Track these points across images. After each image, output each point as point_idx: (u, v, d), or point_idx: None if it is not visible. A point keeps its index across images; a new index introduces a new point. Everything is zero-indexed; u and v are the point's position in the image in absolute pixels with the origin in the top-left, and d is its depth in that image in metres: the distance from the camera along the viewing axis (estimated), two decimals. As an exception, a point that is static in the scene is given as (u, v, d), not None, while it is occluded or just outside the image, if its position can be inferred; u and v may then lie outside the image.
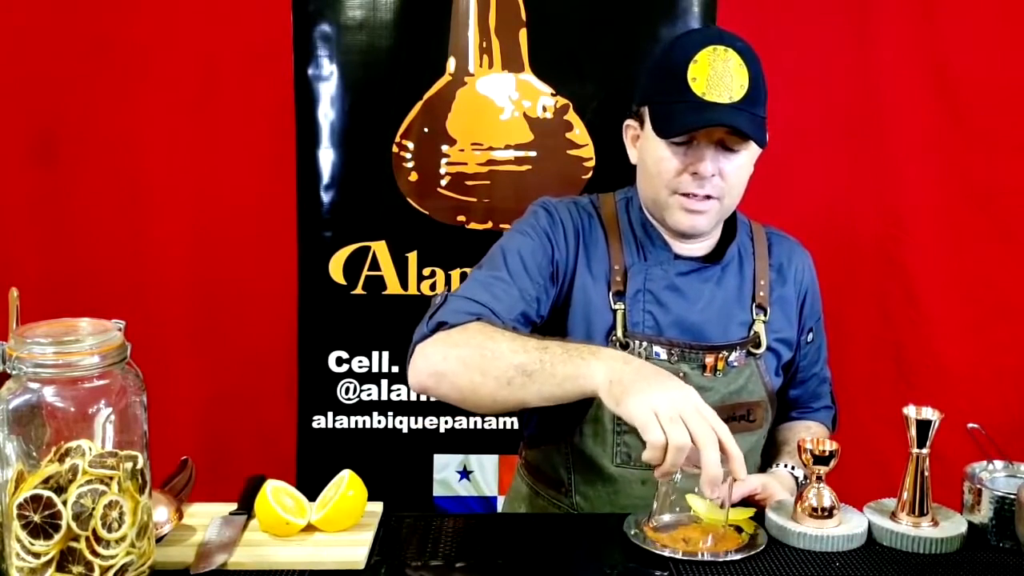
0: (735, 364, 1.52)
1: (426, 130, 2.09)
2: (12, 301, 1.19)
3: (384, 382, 2.17)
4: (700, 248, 1.55)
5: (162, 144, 2.38)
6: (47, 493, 1.01)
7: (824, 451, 1.32)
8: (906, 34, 2.35)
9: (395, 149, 2.10)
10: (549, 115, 2.08)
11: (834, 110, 2.41)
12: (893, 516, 1.33)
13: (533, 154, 2.09)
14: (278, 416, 2.29)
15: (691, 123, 1.40)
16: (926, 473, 1.32)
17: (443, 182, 2.11)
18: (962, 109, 2.35)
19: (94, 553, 1.03)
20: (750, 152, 1.47)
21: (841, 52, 2.38)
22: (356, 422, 2.17)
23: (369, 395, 2.18)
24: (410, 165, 2.10)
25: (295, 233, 2.14)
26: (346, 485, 1.30)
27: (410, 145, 2.09)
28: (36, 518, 1.01)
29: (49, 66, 2.33)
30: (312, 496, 1.32)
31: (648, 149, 1.48)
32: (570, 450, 1.54)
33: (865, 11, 2.36)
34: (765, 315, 1.56)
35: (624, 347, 1.48)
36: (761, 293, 1.56)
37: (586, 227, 1.55)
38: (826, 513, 1.31)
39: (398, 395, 2.18)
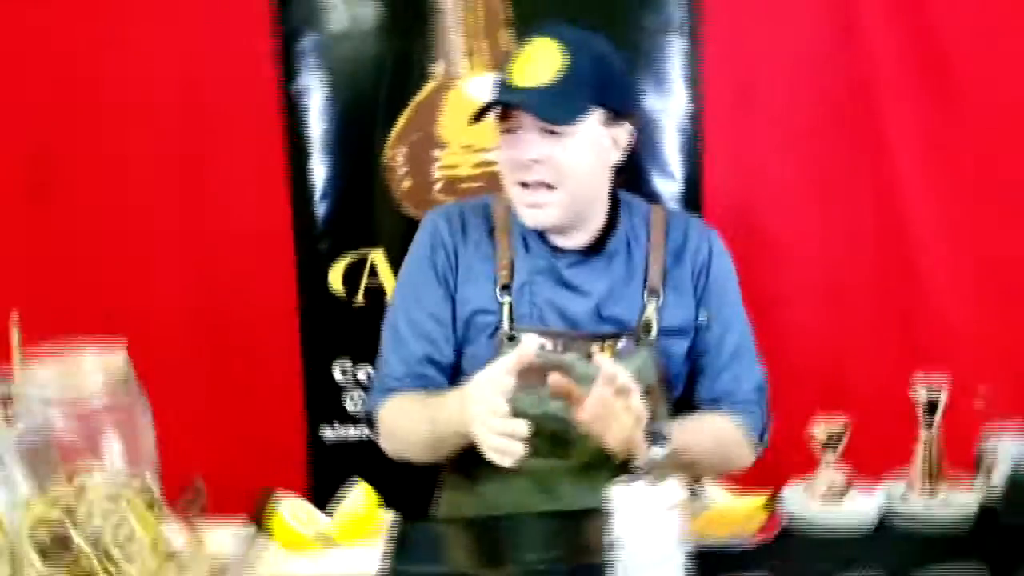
0: (625, 352, 1.50)
1: (417, 135, 2.09)
2: (13, 324, 1.18)
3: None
4: (579, 240, 1.54)
5: (151, 162, 2.37)
6: (57, 516, 1.00)
7: (835, 432, 1.31)
8: (903, 28, 2.34)
9: (387, 156, 2.09)
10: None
11: (827, 97, 2.40)
12: (906, 494, 1.32)
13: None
14: (286, 429, 2.28)
15: (488, 103, 1.44)
16: (936, 451, 1.31)
17: (437, 186, 2.11)
18: (961, 110, 2.34)
19: (107, 573, 1.03)
20: (582, 137, 1.44)
21: (835, 41, 2.37)
22: (365, 432, 2.16)
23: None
24: (403, 171, 2.09)
25: (292, 246, 2.14)
26: (359, 497, 1.30)
27: (402, 151, 2.09)
28: (47, 541, 1.00)
29: (32, 91, 2.32)
30: (325, 509, 1.32)
31: (497, 146, 1.52)
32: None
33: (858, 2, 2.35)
34: (658, 300, 1.53)
35: (511, 339, 1.49)
36: (655, 278, 1.54)
37: (466, 233, 1.57)
38: (839, 494, 1.30)
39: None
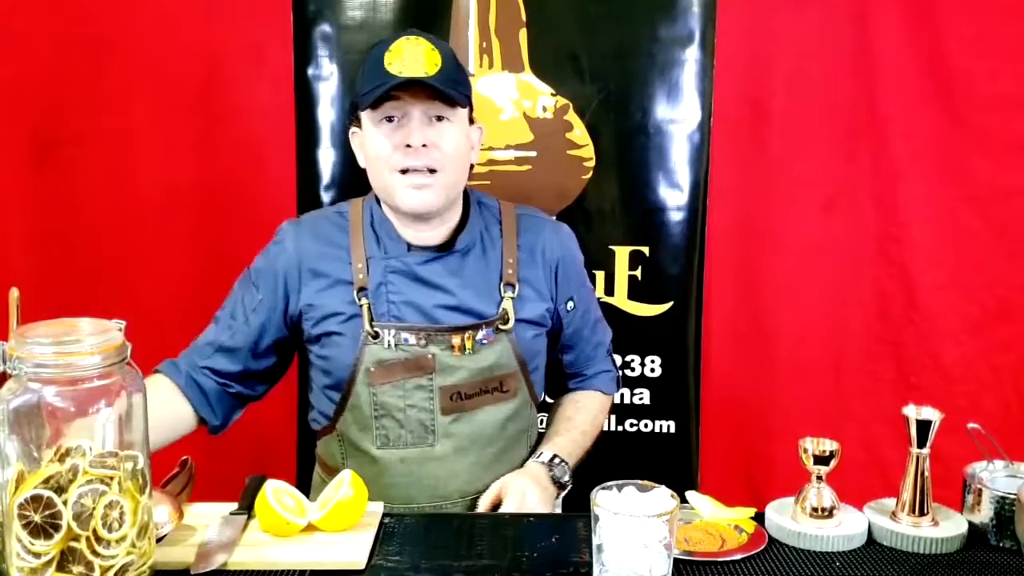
0: (484, 341, 1.60)
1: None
2: (12, 301, 1.19)
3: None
4: (433, 237, 1.62)
5: (162, 144, 2.38)
6: (47, 493, 1.01)
7: (824, 451, 1.32)
8: (906, 34, 2.35)
9: (395, 149, 2.10)
10: (549, 115, 2.08)
11: (834, 110, 2.41)
12: (893, 516, 1.33)
13: (533, 154, 2.09)
14: (278, 416, 2.29)
15: (384, 86, 1.49)
16: (926, 473, 1.32)
17: (443, 182, 2.10)
18: (962, 109, 2.35)
19: (94, 553, 1.03)
20: (461, 125, 1.57)
21: (841, 52, 2.39)
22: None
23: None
24: (410, 165, 2.10)
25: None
26: (346, 485, 1.30)
27: (410, 145, 2.09)
28: (37, 518, 1.01)
29: (49, 66, 2.33)
30: (312, 496, 1.32)
31: (368, 139, 1.58)
32: (340, 437, 1.64)
33: (865, 11, 2.36)
34: (514, 292, 1.63)
35: (375, 337, 1.57)
36: (509, 271, 1.64)
37: (319, 241, 1.63)
38: (826, 513, 1.31)
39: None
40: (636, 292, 2.12)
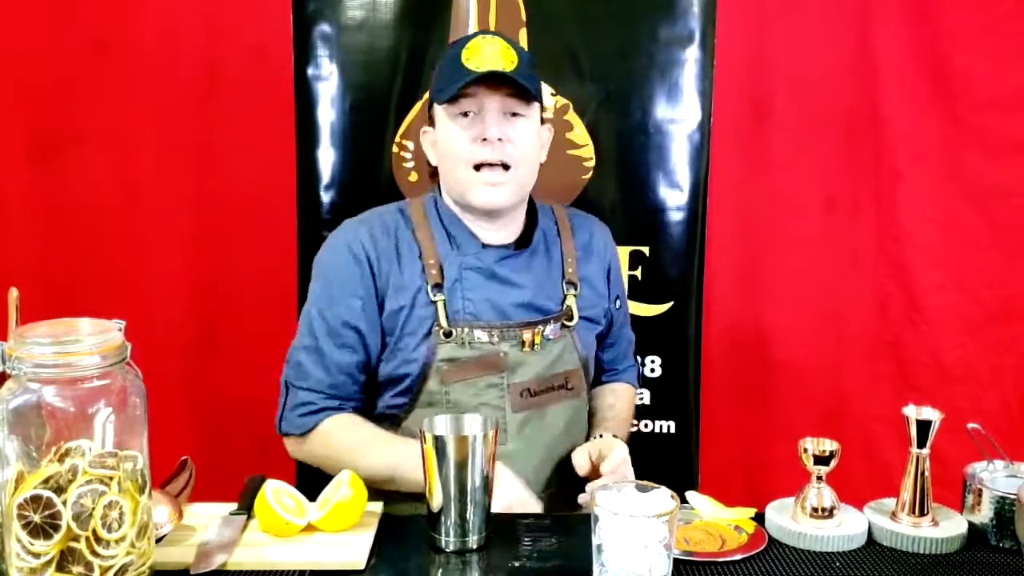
0: (550, 337, 1.63)
1: (426, 130, 2.09)
2: (12, 301, 1.19)
3: (384, 382, 2.17)
4: (506, 236, 1.65)
5: (162, 144, 2.38)
6: (47, 493, 1.01)
7: (824, 451, 1.32)
8: (906, 34, 2.35)
9: (395, 149, 2.10)
10: (549, 115, 2.08)
11: (834, 110, 2.41)
12: (893, 516, 1.33)
13: (533, 154, 2.09)
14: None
15: (467, 78, 1.51)
16: (926, 473, 1.32)
17: (443, 182, 2.10)
18: (962, 109, 2.35)
19: (94, 553, 1.03)
20: (534, 123, 1.59)
21: (841, 52, 2.38)
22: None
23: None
24: (410, 165, 2.10)
25: (295, 233, 2.14)
26: (346, 485, 1.30)
27: (410, 145, 2.09)
28: (36, 518, 1.01)
29: (49, 66, 2.33)
30: (312, 496, 1.32)
31: (443, 134, 1.59)
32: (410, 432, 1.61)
33: (865, 11, 2.36)
34: (576, 290, 1.67)
35: (448, 335, 1.57)
36: (570, 270, 1.68)
37: (388, 239, 1.61)
38: (826, 513, 1.31)
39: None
40: (636, 292, 2.12)
